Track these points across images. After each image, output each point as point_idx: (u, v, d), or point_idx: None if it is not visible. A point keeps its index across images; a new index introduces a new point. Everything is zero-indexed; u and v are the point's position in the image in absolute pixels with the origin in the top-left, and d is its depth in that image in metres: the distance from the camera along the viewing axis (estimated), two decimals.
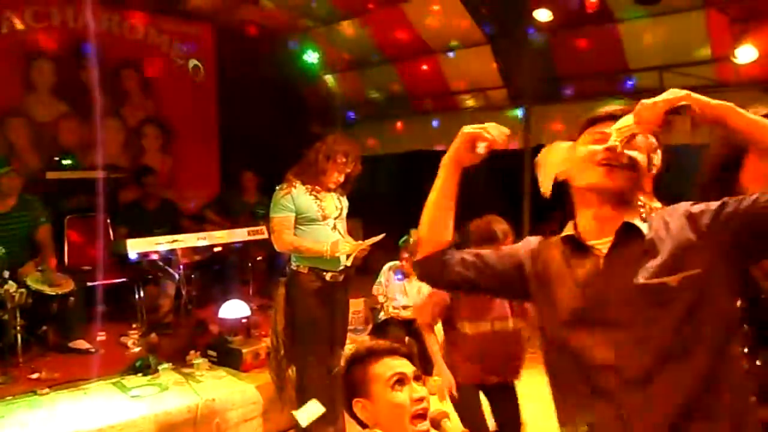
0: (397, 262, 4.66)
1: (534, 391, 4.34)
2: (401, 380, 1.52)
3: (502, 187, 6.79)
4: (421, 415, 1.48)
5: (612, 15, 4.76)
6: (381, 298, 4.61)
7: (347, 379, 1.62)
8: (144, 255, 4.15)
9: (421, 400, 1.50)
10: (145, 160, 6.29)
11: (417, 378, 1.55)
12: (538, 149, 6.35)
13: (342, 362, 1.68)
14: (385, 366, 1.55)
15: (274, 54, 6.72)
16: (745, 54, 4.17)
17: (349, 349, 3.58)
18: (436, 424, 1.47)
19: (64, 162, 5.58)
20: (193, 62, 6.49)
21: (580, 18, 4.83)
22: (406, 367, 1.56)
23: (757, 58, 4.16)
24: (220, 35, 6.76)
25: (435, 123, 6.63)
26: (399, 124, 6.93)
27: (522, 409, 2.85)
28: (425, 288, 4.58)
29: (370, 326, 4.76)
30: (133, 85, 6.37)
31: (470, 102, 6.29)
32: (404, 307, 4.53)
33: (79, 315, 4.31)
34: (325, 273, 3.16)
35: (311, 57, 6.57)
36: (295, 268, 3.19)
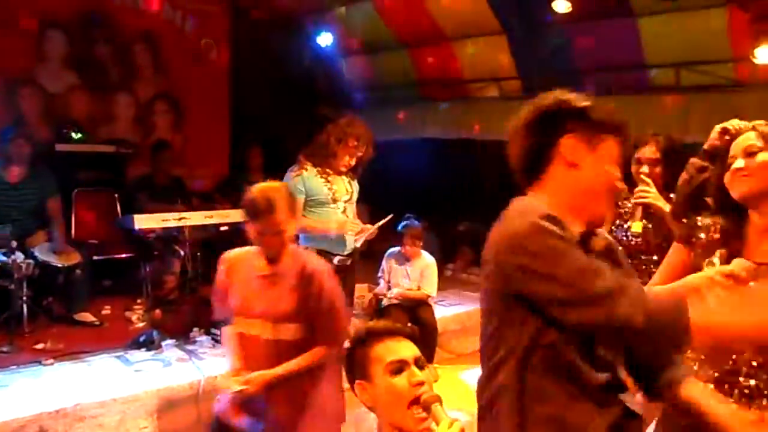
0: (398, 248, 4.63)
1: None
2: (401, 365, 1.49)
3: (510, 178, 6.76)
4: (418, 400, 1.45)
5: (632, 9, 4.70)
6: (382, 283, 4.60)
7: (348, 360, 1.60)
8: (151, 231, 4.16)
9: (420, 384, 1.47)
10: (155, 136, 6.29)
11: (418, 362, 1.52)
12: None
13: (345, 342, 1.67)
14: (386, 349, 1.52)
15: (288, 35, 6.68)
16: (766, 54, 4.11)
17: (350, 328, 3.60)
18: (426, 407, 1.44)
19: (74, 134, 5.58)
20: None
21: (598, 10, 4.77)
22: (407, 350, 1.53)
23: None
24: (234, 14, 6.72)
25: (447, 111, 6.59)
26: (410, 111, 6.90)
27: None
28: (429, 270, 4.57)
29: (374, 309, 4.76)
30: (146, 60, 6.34)
31: (483, 91, 6.25)
32: (408, 290, 4.51)
33: (85, 288, 4.34)
34: (333, 256, 3.16)
35: (324, 39, 6.53)
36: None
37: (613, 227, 2.74)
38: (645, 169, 2.60)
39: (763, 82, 4.34)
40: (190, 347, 3.83)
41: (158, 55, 6.38)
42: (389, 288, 4.55)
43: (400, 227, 4.56)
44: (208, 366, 3.57)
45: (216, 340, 3.97)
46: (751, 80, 4.43)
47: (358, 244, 3.18)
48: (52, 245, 4.24)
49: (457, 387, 4.28)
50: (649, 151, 2.61)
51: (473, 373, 4.52)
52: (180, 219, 4.19)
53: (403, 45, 6.42)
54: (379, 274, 4.66)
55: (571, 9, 4.75)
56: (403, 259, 4.58)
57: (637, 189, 2.50)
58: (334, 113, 5.56)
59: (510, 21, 5.46)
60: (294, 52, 6.74)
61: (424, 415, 1.45)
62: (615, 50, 4.99)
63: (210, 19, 6.64)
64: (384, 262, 4.66)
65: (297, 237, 3.25)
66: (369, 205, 5.53)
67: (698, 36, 4.50)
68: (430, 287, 4.56)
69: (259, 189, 2.22)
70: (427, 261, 4.60)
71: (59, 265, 4.12)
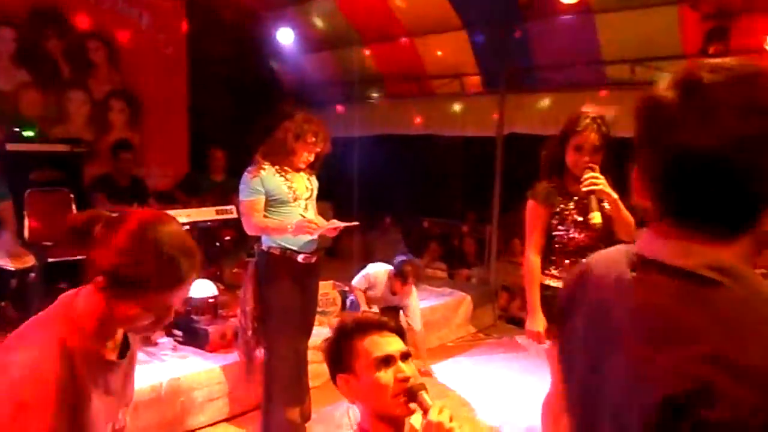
0: (386, 267, 4.54)
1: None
2: (387, 360, 1.48)
3: (473, 173, 6.84)
4: (403, 392, 1.45)
5: (589, 5, 4.80)
6: (359, 289, 4.48)
7: (332, 353, 1.57)
8: None
9: (406, 380, 1.47)
10: (112, 134, 6.14)
11: (404, 357, 1.51)
12: (510, 137, 6.44)
13: (329, 332, 1.63)
14: (372, 344, 1.51)
15: (247, 30, 6.60)
16: (715, 51, 4.25)
17: (320, 325, 3.59)
18: (412, 395, 1.44)
19: (26, 133, 5.39)
20: None
21: (557, 7, 4.85)
22: (393, 345, 1.52)
23: (725, 56, 4.25)
24: (191, 8, 6.59)
25: (410, 107, 6.61)
26: (374, 107, 6.90)
27: None
28: (414, 306, 4.53)
29: (338, 306, 4.75)
30: (100, 56, 6.17)
31: (445, 87, 6.29)
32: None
33: (40, 291, 4.20)
34: (296, 254, 3.14)
35: (285, 35, 6.47)
36: (266, 249, 3.15)
37: (557, 231, 2.62)
38: (586, 157, 2.50)
39: None
40: (151, 349, 3.75)
41: (113, 52, 6.21)
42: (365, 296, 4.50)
43: (398, 261, 4.44)
44: (170, 368, 3.51)
45: (178, 342, 3.91)
46: None
47: (315, 235, 3.14)
48: (2, 248, 4.10)
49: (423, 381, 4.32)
50: (591, 138, 2.50)
51: (438, 367, 4.58)
52: None
53: (366, 41, 6.42)
54: (361, 279, 4.52)
55: (530, 5, 4.83)
56: (391, 291, 4.46)
57: (584, 177, 2.40)
58: (297, 111, 5.52)
59: (471, 17, 5.52)
60: (255, 48, 6.66)
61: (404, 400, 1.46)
62: (574, 46, 5.10)
63: (166, 14, 6.50)
64: (363, 278, 4.52)
65: (259, 237, 3.23)
66: (333, 202, 5.53)
67: (651, 33, 4.63)
68: (417, 323, 4.52)
69: (169, 239, 1.22)
70: (413, 296, 4.53)
71: (12, 269, 3.99)
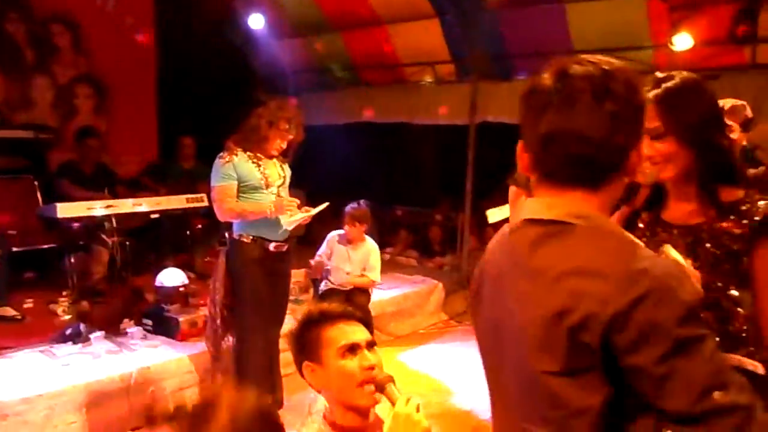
0: (340, 231, 4.57)
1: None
2: (353, 348, 1.49)
3: (446, 162, 6.88)
4: (369, 381, 1.47)
5: None
6: (314, 260, 4.42)
7: (299, 341, 1.58)
8: (75, 220, 3.99)
9: (371, 368, 1.48)
10: (77, 120, 5.99)
11: (369, 345, 1.53)
12: (483, 125, 6.45)
13: (294, 323, 1.63)
14: (339, 332, 1.52)
15: (218, 15, 6.48)
16: (682, 42, 4.33)
17: (291, 313, 3.59)
18: (380, 387, 1.45)
19: None
20: None
21: None
22: (359, 334, 1.53)
23: (692, 46, 4.34)
24: None
25: (382, 95, 6.60)
26: (346, 95, 6.87)
27: None
28: (373, 257, 4.56)
29: (310, 295, 4.74)
30: (65, 40, 6.01)
31: (418, 75, 6.29)
32: (348, 274, 4.48)
33: (4, 281, 4.12)
34: (268, 243, 3.12)
35: (256, 21, 6.38)
36: (237, 237, 3.13)
37: None
38: None
39: (679, 67, 4.57)
40: (120, 339, 3.70)
41: (78, 36, 6.06)
42: (328, 269, 4.50)
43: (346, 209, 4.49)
44: (139, 357, 3.47)
45: (148, 331, 3.87)
46: (669, 66, 4.65)
47: (290, 228, 3.13)
48: None
49: (396, 369, 4.35)
50: None
51: (411, 354, 4.62)
52: (107, 207, 4.04)
53: (337, 28, 6.37)
54: (318, 253, 4.52)
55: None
56: (345, 240, 4.50)
57: None
58: (269, 98, 5.46)
59: (443, 5, 5.51)
60: (226, 34, 6.55)
61: (372, 389, 1.46)
62: (545, 36, 5.13)
63: None
64: (325, 244, 4.56)
65: (231, 224, 3.21)
66: (305, 189, 5.50)
67: (620, 23, 4.69)
68: (375, 274, 4.54)
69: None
70: (369, 247, 4.52)
71: None
